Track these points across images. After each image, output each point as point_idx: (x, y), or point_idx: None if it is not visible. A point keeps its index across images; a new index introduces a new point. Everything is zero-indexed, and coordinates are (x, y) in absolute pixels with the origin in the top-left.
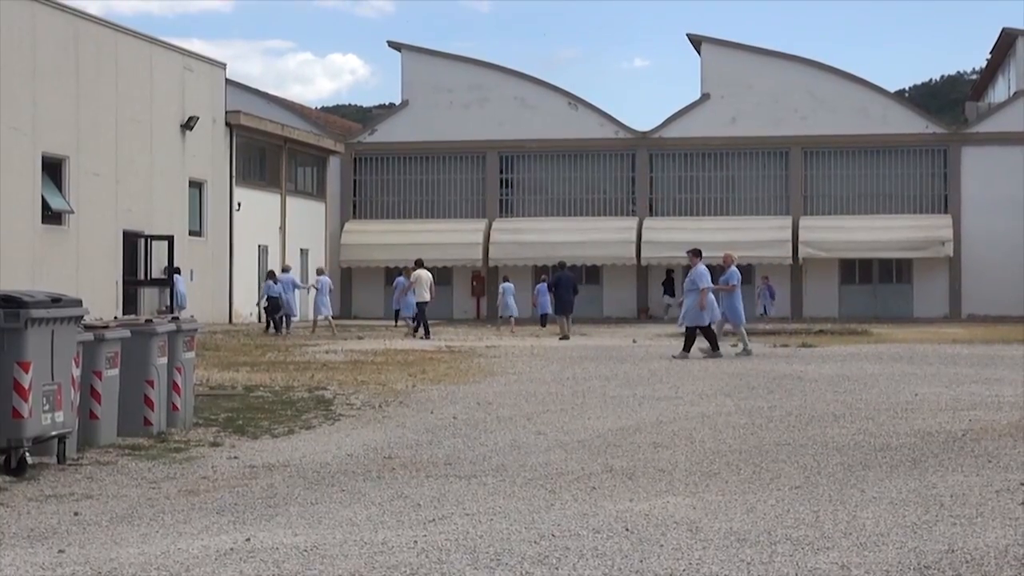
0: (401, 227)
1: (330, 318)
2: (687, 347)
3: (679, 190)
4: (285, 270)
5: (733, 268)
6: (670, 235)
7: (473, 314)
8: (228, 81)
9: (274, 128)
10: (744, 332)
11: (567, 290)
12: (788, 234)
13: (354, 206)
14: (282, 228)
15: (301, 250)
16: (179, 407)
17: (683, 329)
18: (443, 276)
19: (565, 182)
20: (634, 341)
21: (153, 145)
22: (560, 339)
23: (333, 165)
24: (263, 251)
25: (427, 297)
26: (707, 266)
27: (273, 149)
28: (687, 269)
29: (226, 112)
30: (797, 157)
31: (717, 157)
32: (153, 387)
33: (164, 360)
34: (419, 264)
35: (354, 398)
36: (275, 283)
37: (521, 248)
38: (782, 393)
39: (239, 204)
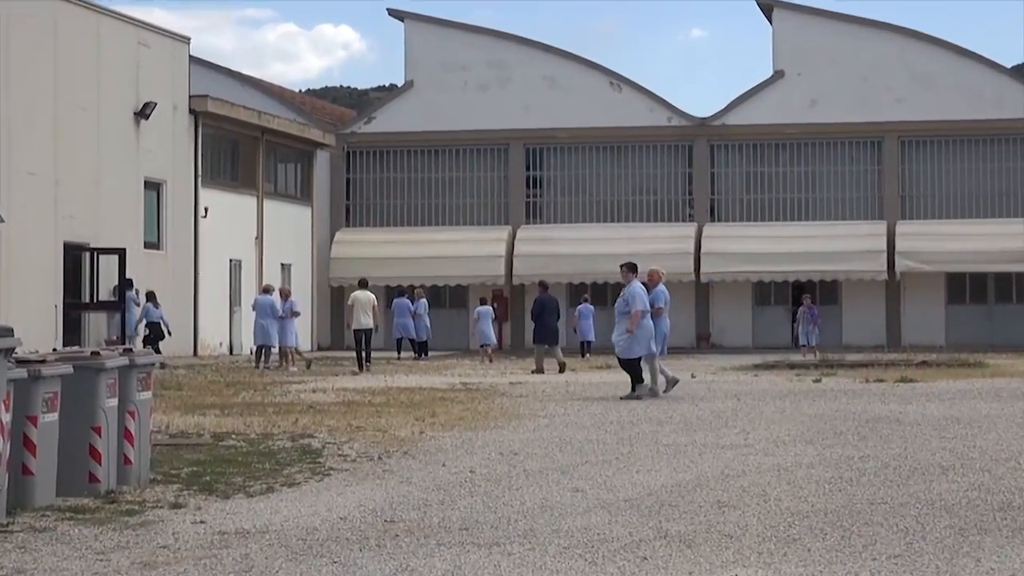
0: (405, 236)
1: (293, 350)
2: (635, 383)
3: (746, 189)
4: (266, 291)
5: (661, 287)
6: (736, 245)
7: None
8: (193, 59)
9: (249, 116)
10: (658, 367)
11: (551, 315)
12: (882, 243)
13: (347, 211)
14: (259, 239)
15: (282, 265)
16: (132, 460)
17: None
18: (457, 296)
19: (606, 180)
20: (692, 376)
21: (101, 138)
22: (534, 372)
23: (321, 161)
24: (235, 267)
25: (368, 323)
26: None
27: (248, 142)
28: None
29: (190, 97)
30: (892, 148)
31: (793, 149)
32: (100, 435)
33: (114, 402)
34: (362, 284)
35: (348, 448)
36: (156, 306)
37: (553, 261)
38: (877, 439)
39: (206, 209)
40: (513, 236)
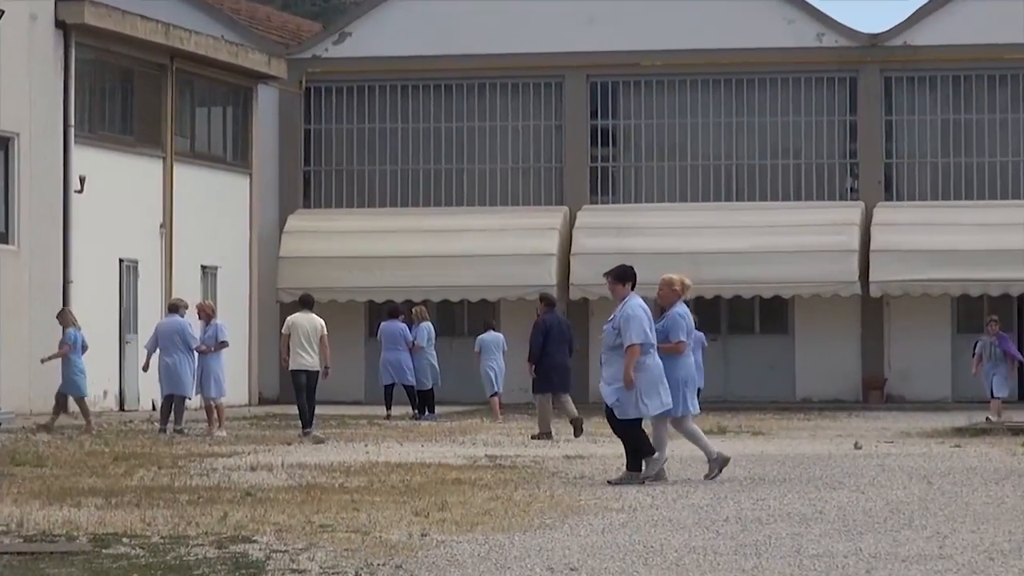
0: (397, 224)
1: (219, 403)
2: (633, 461)
3: (942, 149)
4: (174, 309)
5: (680, 307)
6: (925, 237)
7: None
8: None
9: (151, 31)
10: (697, 432)
11: (560, 348)
12: None
13: (306, 183)
14: (166, 227)
15: (204, 269)
16: None
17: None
18: (481, 318)
19: (718, 135)
20: (857, 446)
21: None
22: (538, 437)
23: (266, 103)
24: (129, 272)
25: (312, 362)
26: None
27: (149, 73)
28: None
29: (57, 1)
30: None
31: (1018, 83)
32: None
33: None
34: (305, 304)
35: (306, 559)
36: None
37: (635, 263)
38: None
39: (82, 180)
40: (570, 223)
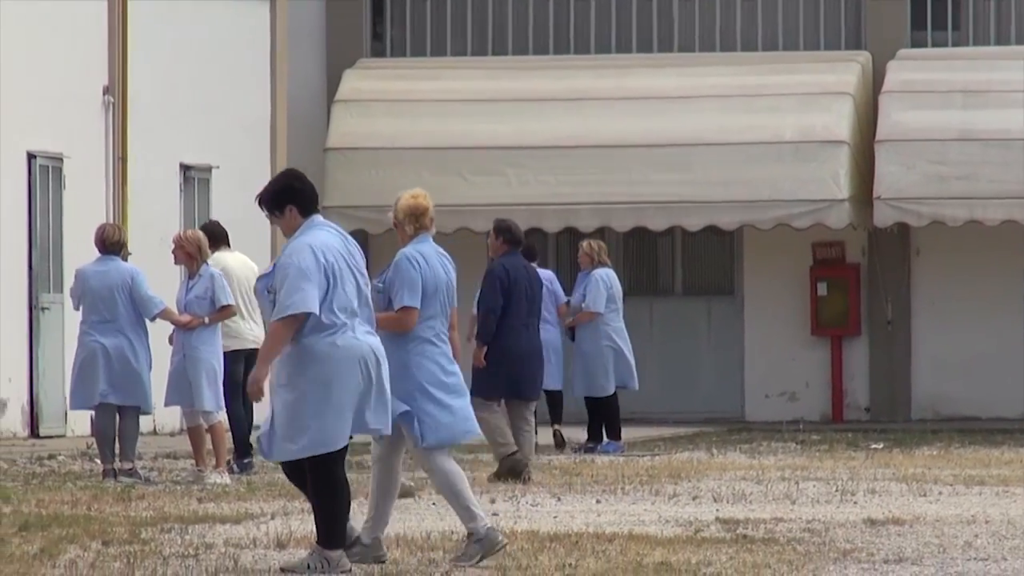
0: (551, 84)
1: (216, 423)
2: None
3: None
4: (107, 244)
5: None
6: None
7: (825, 407)
8: None
9: None
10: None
11: (530, 321)
12: None
13: (377, 6)
14: (114, 94)
15: (185, 171)
16: None
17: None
18: (712, 262)
19: None
20: None
21: None
22: (502, 474)
23: None
24: (46, 177)
25: (256, 337)
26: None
27: None
28: None
29: None
30: None
31: None
32: None
33: None
34: (216, 237)
35: None
36: None
37: (981, 165)
38: None
39: None
40: (875, 83)
